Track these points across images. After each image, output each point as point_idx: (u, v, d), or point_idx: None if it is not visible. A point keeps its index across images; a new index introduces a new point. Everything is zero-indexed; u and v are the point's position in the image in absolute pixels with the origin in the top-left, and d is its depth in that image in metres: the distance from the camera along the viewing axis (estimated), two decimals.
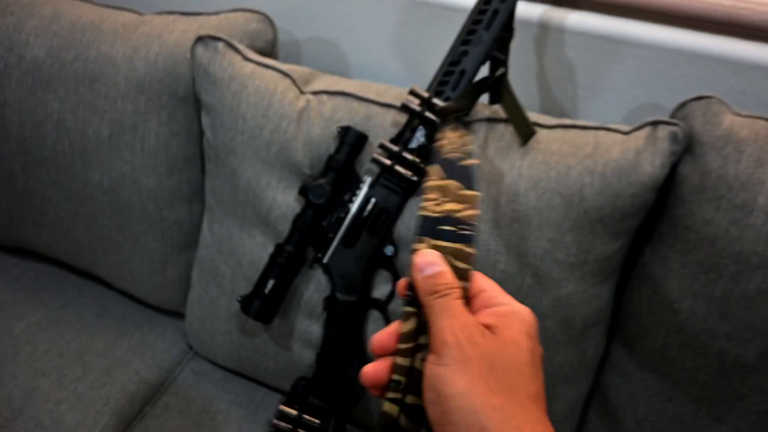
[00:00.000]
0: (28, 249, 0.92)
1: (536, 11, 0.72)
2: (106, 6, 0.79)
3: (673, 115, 0.59)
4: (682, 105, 0.58)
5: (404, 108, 0.60)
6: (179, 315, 0.86)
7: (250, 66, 0.67)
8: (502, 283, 0.37)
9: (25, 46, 0.74)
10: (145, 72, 0.71)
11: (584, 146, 0.57)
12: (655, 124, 0.57)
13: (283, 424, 0.62)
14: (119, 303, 0.89)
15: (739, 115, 0.55)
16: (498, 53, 0.62)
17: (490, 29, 0.60)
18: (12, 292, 0.89)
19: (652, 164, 0.55)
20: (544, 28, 0.72)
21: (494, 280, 0.36)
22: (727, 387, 0.55)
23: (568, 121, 0.61)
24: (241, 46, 0.68)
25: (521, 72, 0.76)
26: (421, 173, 0.60)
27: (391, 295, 0.63)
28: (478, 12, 0.61)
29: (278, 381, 0.73)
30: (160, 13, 0.78)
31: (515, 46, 0.73)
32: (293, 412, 0.62)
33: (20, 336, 0.83)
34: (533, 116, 0.63)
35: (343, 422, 0.64)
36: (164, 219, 0.77)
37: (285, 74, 0.67)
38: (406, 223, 0.62)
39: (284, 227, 0.65)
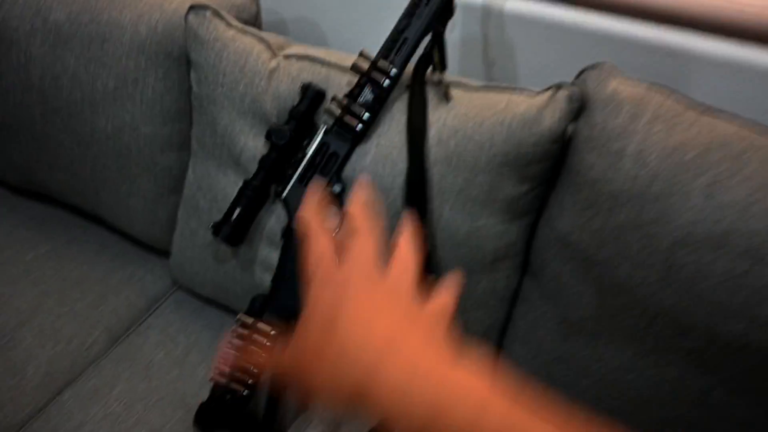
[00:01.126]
0: (43, 193, 1.06)
1: None
2: None
3: (575, 80, 0.70)
4: (582, 72, 0.69)
5: (354, 68, 0.72)
6: (167, 255, 0.99)
7: (232, 32, 0.80)
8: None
9: (49, 11, 0.88)
10: (147, 35, 0.84)
11: (498, 103, 0.69)
12: (558, 86, 0.68)
13: (240, 329, 0.74)
14: (117, 243, 1.02)
15: (625, 80, 0.66)
16: (438, 25, 0.74)
17: (429, 5, 0.72)
18: (26, 228, 1.03)
19: (551, 119, 0.66)
20: (486, 12, 0.84)
21: None
22: (603, 306, 0.65)
23: (491, 84, 0.73)
24: (226, 15, 0.81)
25: (469, 50, 0.88)
26: (367, 124, 0.72)
27: (338, 227, 0.75)
28: None
29: (244, 305, 0.85)
30: None
31: (463, 27, 0.86)
32: (250, 319, 0.74)
33: (31, 263, 0.96)
34: (468, 81, 0.74)
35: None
36: (157, 163, 0.90)
37: (261, 39, 0.80)
38: (352, 166, 0.73)
39: (253, 167, 0.77)
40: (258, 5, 0.89)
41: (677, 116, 0.62)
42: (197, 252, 0.86)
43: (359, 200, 0.37)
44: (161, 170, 0.90)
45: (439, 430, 0.27)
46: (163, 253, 1.00)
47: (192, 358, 0.85)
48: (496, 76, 0.89)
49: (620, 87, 0.65)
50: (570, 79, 0.81)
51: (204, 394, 0.78)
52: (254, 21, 0.89)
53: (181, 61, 0.85)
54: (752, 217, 0.56)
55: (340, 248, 0.34)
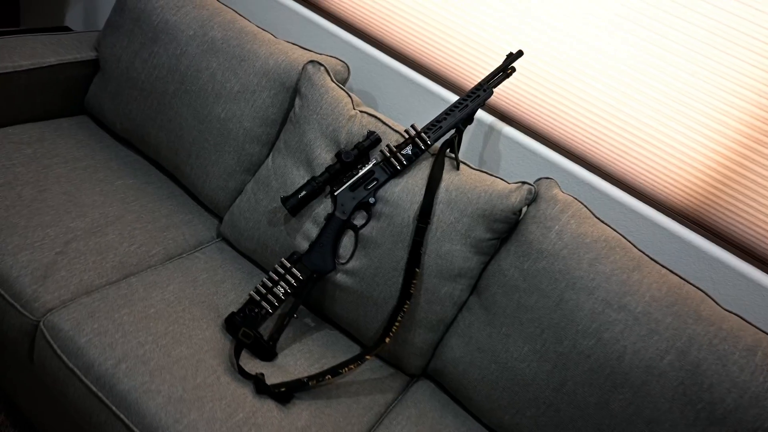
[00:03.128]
0: (136, 145, 1.38)
1: (489, 119, 1.29)
2: (257, 26, 1.34)
3: (535, 182, 1.13)
4: (538, 180, 1.13)
5: (407, 132, 1.14)
6: (215, 215, 1.32)
7: (333, 84, 1.21)
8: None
9: (210, 28, 1.28)
10: (273, 67, 1.24)
11: (486, 180, 1.11)
12: (523, 183, 1.11)
13: (279, 268, 1.07)
14: (181, 195, 1.35)
15: (561, 190, 1.09)
16: (461, 126, 1.17)
17: (461, 112, 1.16)
18: (118, 163, 1.34)
19: (516, 199, 1.08)
20: (490, 128, 1.29)
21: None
22: (517, 317, 1.03)
23: (484, 169, 1.15)
24: (330, 72, 1.23)
25: (473, 149, 1.32)
26: (404, 167, 1.12)
27: (364, 225, 1.12)
28: (458, 103, 1.17)
29: (271, 262, 1.18)
30: (287, 41, 1.33)
31: (475, 133, 1.30)
32: (288, 264, 1.08)
33: (119, 186, 1.27)
34: (470, 163, 1.16)
35: (313, 283, 1.09)
36: (244, 149, 1.26)
37: (348, 95, 1.21)
38: (385, 190, 1.12)
39: (319, 170, 1.15)
40: (349, 73, 1.32)
41: (585, 218, 1.05)
42: (256, 215, 1.20)
43: None
44: (245, 154, 1.26)
45: None
46: (212, 213, 1.33)
47: (226, 286, 1.15)
48: (483, 166, 1.33)
49: (558, 193, 1.08)
50: (525, 178, 1.26)
51: (230, 311, 1.09)
52: (344, 82, 1.31)
53: (289, 90, 1.25)
54: (610, 283, 0.98)
55: None
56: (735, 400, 0.90)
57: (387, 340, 1.06)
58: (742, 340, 0.93)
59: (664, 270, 1.01)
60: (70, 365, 0.93)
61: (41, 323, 0.97)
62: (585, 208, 1.08)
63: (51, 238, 1.08)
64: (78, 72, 1.41)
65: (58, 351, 0.94)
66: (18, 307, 0.99)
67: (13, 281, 1.00)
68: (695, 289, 0.99)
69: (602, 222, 1.07)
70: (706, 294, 1.00)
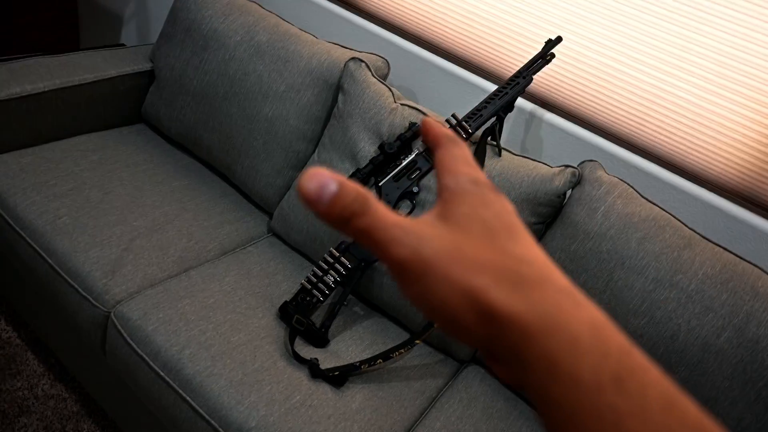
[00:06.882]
0: (189, 147, 1.46)
1: (530, 106, 1.29)
2: (300, 28, 1.39)
3: (578, 165, 1.13)
4: (582, 162, 1.12)
5: (447, 121, 1.16)
6: (265, 211, 1.38)
7: (374, 79, 1.24)
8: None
9: (255, 33, 1.33)
10: (316, 66, 1.29)
11: (529, 165, 1.11)
12: (567, 166, 1.11)
13: (328, 257, 1.11)
14: (233, 193, 1.41)
15: (605, 172, 1.08)
16: (501, 114, 1.18)
17: (501, 100, 1.17)
18: (173, 166, 1.41)
19: (559, 182, 1.08)
20: (531, 115, 1.30)
21: None
22: None
23: (526, 155, 1.16)
24: (371, 69, 1.26)
25: (515, 137, 1.32)
26: None
27: (408, 214, 1.15)
28: (497, 91, 1.18)
29: (320, 254, 1.22)
30: (329, 41, 1.37)
31: (516, 121, 1.31)
32: (336, 252, 1.11)
33: (176, 187, 1.34)
34: (512, 150, 1.17)
35: (361, 272, 1.13)
36: (291, 146, 1.31)
37: (390, 89, 1.24)
38: (428, 179, 1.14)
39: (363, 162, 1.18)
40: (389, 68, 1.35)
41: (632, 198, 1.04)
42: (303, 209, 1.24)
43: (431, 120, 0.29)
44: (292, 151, 1.31)
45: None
46: (263, 210, 1.39)
47: (278, 277, 1.20)
48: (525, 152, 1.33)
49: (603, 175, 1.07)
50: (569, 164, 1.26)
51: (283, 300, 1.13)
52: (384, 78, 1.34)
53: (331, 88, 1.29)
54: (660, 261, 0.96)
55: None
56: None
57: (436, 324, 1.08)
58: None
59: (717, 248, 0.99)
60: (140, 352, 1.00)
61: (112, 314, 1.05)
62: (631, 189, 1.07)
63: (117, 236, 1.16)
64: (136, 82, 1.50)
65: (128, 339, 1.01)
66: (91, 299, 1.06)
67: (85, 276, 1.08)
68: (751, 266, 0.97)
69: (650, 202, 1.06)
70: (764, 271, 0.97)
